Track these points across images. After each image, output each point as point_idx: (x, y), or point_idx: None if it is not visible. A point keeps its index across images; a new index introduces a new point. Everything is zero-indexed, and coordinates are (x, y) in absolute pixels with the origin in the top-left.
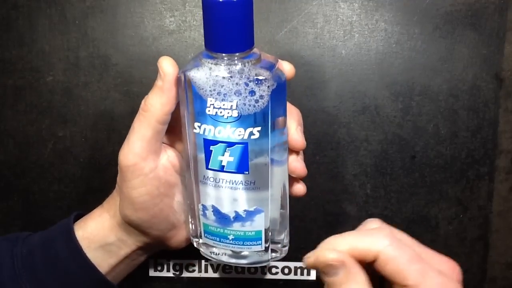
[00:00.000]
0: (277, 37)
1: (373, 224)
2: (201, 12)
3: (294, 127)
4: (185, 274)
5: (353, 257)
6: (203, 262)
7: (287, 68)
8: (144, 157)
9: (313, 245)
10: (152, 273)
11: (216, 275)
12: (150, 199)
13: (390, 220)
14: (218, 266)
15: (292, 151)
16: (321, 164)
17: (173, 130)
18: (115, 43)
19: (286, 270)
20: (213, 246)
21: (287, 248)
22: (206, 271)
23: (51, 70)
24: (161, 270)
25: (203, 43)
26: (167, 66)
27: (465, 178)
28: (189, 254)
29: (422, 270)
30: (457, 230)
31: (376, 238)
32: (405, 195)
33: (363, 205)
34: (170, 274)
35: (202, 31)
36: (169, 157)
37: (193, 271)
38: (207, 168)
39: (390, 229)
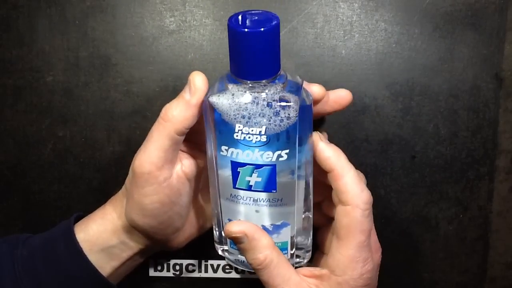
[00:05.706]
0: None
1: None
2: (201, 12)
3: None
4: (185, 274)
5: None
6: (203, 262)
7: (315, 90)
8: (160, 167)
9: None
10: (152, 273)
11: (216, 275)
12: (161, 207)
13: (390, 220)
14: (218, 266)
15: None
16: None
17: (190, 137)
18: (115, 43)
19: None
20: (239, 255)
21: (310, 253)
22: (206, 271)
23: (51, 70)
24: (161, 270)
25: (203, 43)
26: (200, 82)
27: (465, 178)
28: (189, 254)
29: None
30: (457, 230)
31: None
32: (405, 195)
33: None
34: (170, 274)
35: (202, 31)
36: (183, 165)
37: (193, 271)
38: (234, 187)
39: None
